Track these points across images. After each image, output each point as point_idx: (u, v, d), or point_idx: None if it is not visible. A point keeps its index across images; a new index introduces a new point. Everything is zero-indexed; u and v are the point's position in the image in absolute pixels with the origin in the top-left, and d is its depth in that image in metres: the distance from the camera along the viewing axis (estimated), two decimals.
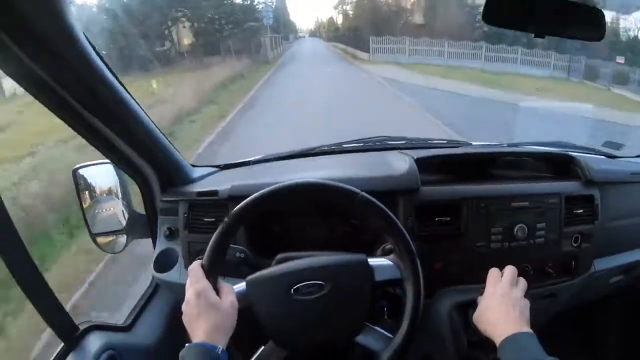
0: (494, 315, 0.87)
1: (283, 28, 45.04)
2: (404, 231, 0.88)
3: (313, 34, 78.90)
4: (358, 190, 0.89)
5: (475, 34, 18.55)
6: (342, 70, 17.29)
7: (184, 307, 0.83)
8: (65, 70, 0.81)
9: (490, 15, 1.01)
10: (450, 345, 1.11)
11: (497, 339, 0.82)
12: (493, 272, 0.96)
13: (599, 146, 1.63)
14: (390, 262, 0.91)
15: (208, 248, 0.86)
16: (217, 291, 0.83)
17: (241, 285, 0.88)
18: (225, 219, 0.87)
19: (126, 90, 0.98)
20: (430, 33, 19.98)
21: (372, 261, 0.90)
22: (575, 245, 1.21)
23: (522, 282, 0.94)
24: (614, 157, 1.50)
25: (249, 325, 0.85)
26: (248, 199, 0.88)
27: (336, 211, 1.17)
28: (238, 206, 0.87)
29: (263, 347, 0.89)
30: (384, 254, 0.98)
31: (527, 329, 0.83)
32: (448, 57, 18.34)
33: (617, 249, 1.34)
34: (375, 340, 0.89)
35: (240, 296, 0.85)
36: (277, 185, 0.89)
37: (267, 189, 0.89)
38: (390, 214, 0.89)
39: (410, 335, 0.87)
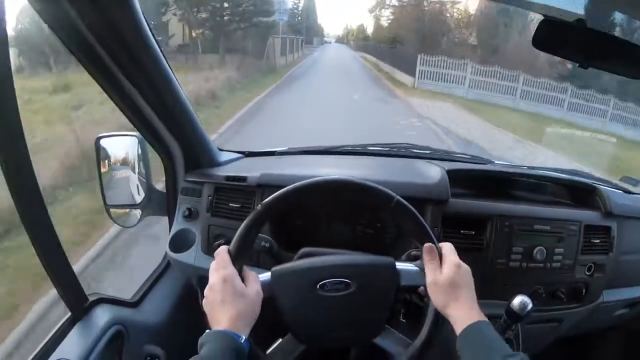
0: (461, 294, 0.81)
1: (307, 31, 42.39)
2: (435, 239, 0.88)
3: (340, 40, 75.20)
4: (395, 195, 0.88)
5: (556, 70, 13.87)
6: (377, 101, 11.09)
7: (207, 292, 0.80)
8: (113, 34, 0.81)
9: (540, 42, 1.01)
10: None
11: (461, 323, 0.77)
12: (445, 245, 0.89)
13: (615, 180, 1.65)
14: (417, 268, 0.90)
15: (237, 234, 0.84)
16: (242, 279, 0.81)
17: (266, 275, 0.86)
18: (258, 207, 0.85)
19: (170, 67, 0.98)
20: (497, 60, 14.74)
21: (399, 265, 0.89)
22: (588, 274, 1.23)
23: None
24: (630, 192, 1.52)
25: (269, 316, 0.84)
26: (285, 189, 0.87)
27: (361, 212, 1.18)
28: (274, 195, 0.86)
29: (281, 340, 0.89)
30: (409, 259, 0.98)
31: (485, 318, 0.78)
32: (521, 97, 13.67)
33: (626, 282, 1.36)
34: (394, 344, 0.89)
35: (265, 286, 0.84)
36: (316, 178, 0.89)
37: (306, 181, 0.88)
38: (424, 221, 0.89)
39: (429, 342, 0.87)
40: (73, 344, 0.98)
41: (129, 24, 0.81)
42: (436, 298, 0.83)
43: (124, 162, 1.25)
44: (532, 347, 1.26)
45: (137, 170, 1.24)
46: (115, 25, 0.80)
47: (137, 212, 1.27)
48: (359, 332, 0.89)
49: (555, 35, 1.02)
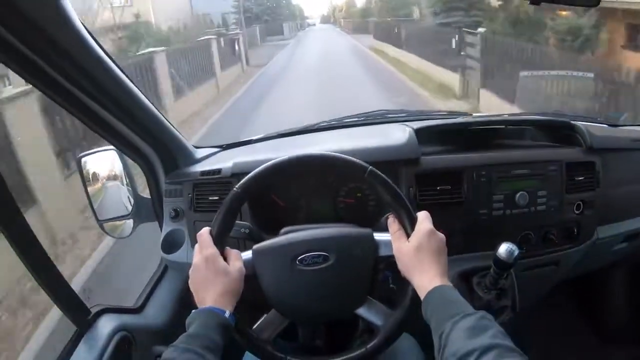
0: (424, 259, 0.81)
1: (271, 14, 32.74)
2: (409, 206, 0.88)
3: (327, 19, 66.45)
4: (367, 165, 0.89)
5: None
6: None
7: (191, 272, 0.84)
8: (63, 57, 0.81)
9: None
10: None
11: (423, 288, 0.78)
12: (424, 213, 0.89)
13: (601, 115, 1.62)
14: None
15: (216, 216, 0.87)
16: (225, 258, 0.84)
17: (247, 254, 0.89)
18: (235, 188, 0.88)
19: (125, 74, 0.99)
20: None
21: (377, 236, 0.91)
22: (577, 212, 1.22)
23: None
24: (616, 125, 1.49)
25: (252, 293, 0.87)
26: (258, 168, 0.89)
27: (340, 184, 1.19)
28: (248, 175, 0.88)
29: (266, 315, 0.91)
30: (385, 223, 0.98)
31: (450, 284, 0.79)
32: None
33: (620, 216, 1.34)
34: (376, 314, 0.90)
35: (247, 264, 0.86)
36: (288, 156, 0.90)
37: (278, 159, 0.89)
38: (398, 190, 0.89)
39: (411, 311, 0.88)
40: (82, 357, 1.01)
41: (77, 46, 0.82)
42: (401, 266, 0.85)
43: (111, 176, 1.29)
44: (533, 293, 1.26)
45: (122, 181, 1.28)
46: (65, 48, 0.80)
47: (130, 222, 1.30)
48: (340, 304, 0.91)
49: None
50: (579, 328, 1.75)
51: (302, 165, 0.93)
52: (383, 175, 0.89)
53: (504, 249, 0.94)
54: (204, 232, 0.86)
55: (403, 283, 0.89)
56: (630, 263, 1.54)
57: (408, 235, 0.86)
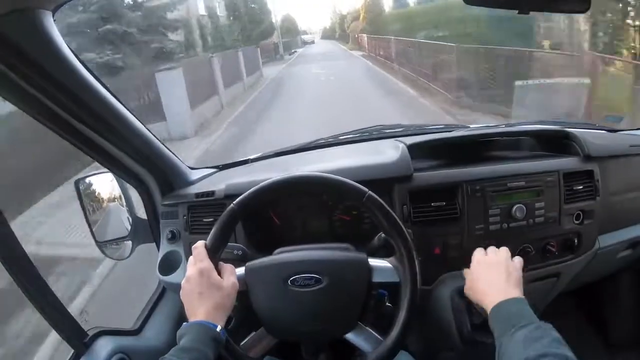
0: (480, 284, 0.89)
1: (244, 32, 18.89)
2: (406, 233, 0.88)
3: (329, 35, 50.02)
4: (365, 190, 0.89)
5: None
6: None
7: (183, 283, 0.85)
8: (55, 87, 0.83)
9: None
10: (453, 330, 1.10)
11: (488, 309, 0.82)
12: (478, 250, 0.98)
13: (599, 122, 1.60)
14: (390, 265, 0.91)
15: (213, 230, 0.88)
16: (219, 272, 0.85)
17: (241, 270, 0.90)
18: (232, 205, 0.89)
19: (118, 100, 1.00)
20: None
21: (373, 262, 0.91)
22: (577, 222, 1.19)
23: (505, 249, 0.95)
24: (615, 130, 1.47)
25: (243, 309, 0.88)
26: (257, 186, 0.89)
27: (336, 203, 1.19)
28: (245, 193, 0.89)
29: (254, 332, 0.92)
30: (379, 243, 0.98)
31: (515, 293, 0.82)
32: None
33: (623, 223, 1.31)
34: (365, 341, 0.90)
35: (240, 280, 0.87)
36: (285, 176, 0.91)
37: (276, 178, 0.90)
38: (394, 215, 0.89)
39: (400, 341, 0.87)
40: None
41: (69, 75, 0.84)
42: (473, 301, 0.93)
43: (107, 198, 1.30)
44: (535, 306, 1.23)
45: (121, 203, 1.29)
46: (57, 78, 0.82)
47: (129, 244, 1.31)
48: (330, 327, 0.91)
49: None
50: (586, 336, 1.71)
51: (300, 186, 0.94)
52: (381, 200, 0.89)
53: None
54: (199, 245, 0.87)
55: (397, 305, 0.88)
56: (636, 269, 1.51)
57: (402, 264, 0.89)
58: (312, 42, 46.94)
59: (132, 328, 1.25)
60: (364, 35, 26.94)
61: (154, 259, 1.32)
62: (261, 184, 0.90)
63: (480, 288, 0.88)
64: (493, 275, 0.88)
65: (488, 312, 0.82)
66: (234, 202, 0.89)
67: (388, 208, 0.89)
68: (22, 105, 0.86)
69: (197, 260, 0.85)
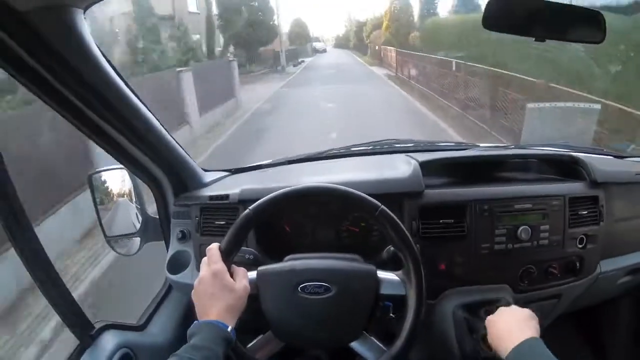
0: (497, 333, 0.88)
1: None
2: (415, 249, 0.90)
3: (342, 43, 44.62)
4: (379, 204, 0.91)
5: None
6: None
7: (196, 284, 0.86)
8: (81, 83, 0.85)
9: (490, 21, 1.02)
10: (454, 344, 1.12)
11: (504, 355, 0.82)
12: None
13: (607, 147, 1.63)
14: (397, 279, 0.93)
15: (228, 234, 0.90)
16: (231, 275, 0.87)
17: (252, 274, 0.92)
18: (248, 210, 0.91)
19: (139, 98, 1.02)
20: None
21: (381, 274, 0.93)
22: (580, 246, 1.21)
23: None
24: (622, 157, 1.49)
25: (252, 312, 0.89)
26: (274, 194, 0.92)
27: (346, 214, 1.21)
28: (261, 199, 0.91)
29: (262, 335, 0.94)
30: (388, 256, 1.00)
31: (529, 334, 0.82)
32: None
33: (624, 249, 1.33)
34: (369, 351, 0.92)
35: (251, 283, 0.89)
36: (302, 186, 0.94)
37: (292, 188, 0.93)
38: (405, 231, 0.91)
39: (404, 352, 0.89)
40: None
41: (92, 70, 0.86)
42: (494, 344, 0.90)
43: (118, 194, 1.32)
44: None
45: (131, 200, 1.31)
46: (81, 72, 0.84)
47: (137, 240, 1.33)
48: (336, 335, 0.93)
49: (507, 13, 1.03)
50: (584, 358, 1.71)
51: (315, 196, 0.97)
52: (393, 215, 0.91)
53: None
54: (214, 247, 0.89)
55: (402, 316, 0.90)
56: (636, 296, 1.52)
57: (409, 279, 0.91)
58: (324, 51, 41.46)
59: (137, 324, 1.27)
60: (391, 49, 19.90)
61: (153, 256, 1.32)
62: (279, 192, 0.92)
63: (498, 334, 0.88)
64: (511, 322, 0.88)
65: (505, 354, 0.82)
66: (251, 208, 0.91)
67: (400, 223, 0.91)
68: (47, 98, 0.87)
69: (211, 262, 0.87)
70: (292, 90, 14.94)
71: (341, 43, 47.99)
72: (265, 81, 17.89)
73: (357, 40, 37.88)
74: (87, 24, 0.82)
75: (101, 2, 0.83)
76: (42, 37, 0.74)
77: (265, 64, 22.28)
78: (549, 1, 1.00)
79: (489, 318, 0.93)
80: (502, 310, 0.92)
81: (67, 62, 0.81)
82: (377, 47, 25.86)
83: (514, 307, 0.93)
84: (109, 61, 0.90)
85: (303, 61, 29.38)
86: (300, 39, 37.74)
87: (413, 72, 14.79)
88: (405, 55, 16.88)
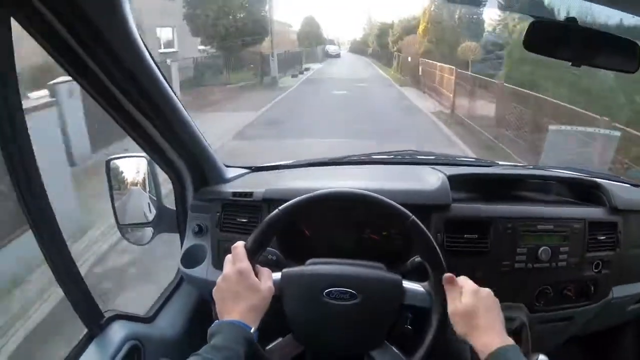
0: (480, 320, 0.81)
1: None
2: (443, 263, 0.90)
3: (358, 48, 38.49)
4: (410, 214, 0.91)
5: None
6: None
7: (220, 281, 0.84)
8: (116, 64, 0.84)
9: (532, 42, 1.03)
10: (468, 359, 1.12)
11: (482, 350, 0.77)
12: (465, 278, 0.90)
13: (623, 175, 1.64)
14: (423, 290, 0.93)
15: (254, 233, 0.89)
16: (256, 274, 0.85)
17: (277, 275, 0.91)
18: (277, 210, 0.90)
19: (171, 88, 1.01)
20: None
21: (406, 284, 0.92)
22: (595, 270, 1.22)
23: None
24: (637, 185, 1.51)
25: (273, 314, 0.87)
26: (305, 196, 0.91)
27: (369, 221, 1.20)
28: (293, 200, 0.91)
29: (282, 338, 0.93)
30: (413, 267, 1.00)
31: (511, 340, 0.78)
32: None
33: (636, 277, 1.34)
34: None
35: (275, 284, 0.87)
36: (336, 189, 0.94)
37: (324, 191, 0.92)
38: (436, 245, 0.91)
39: None
40: None
41: (131, 55, 0.85)
42: (457, 328, 0.85)
43: (135, 182, 1.30)
44: (545, 346, 1.25)
45: (147, 189, 1.29)
46: (119, 56, 0.83)
47: (150, 230, 1.31)
48: (357, 342, 0.92)
49: (547, 37, 1.04)
50: None
51: (349, 201, 0.97)
52: (423, 227, 0.91)
53: None
54: (239, 245, 0.87)
55: (421, 328, 0.90)
56: None
57: (435, 291, 0.88)
58: (337, 56, 34.12)
59: (146, 315, 1.25)
60: (442, 67, 12.03)
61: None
62: (308, 195, 0.91)
63: (478, 325, 0.81)
64: (491, 313, 0.82)
65: (478, 351, 0.79)
66: (280, 208, 0.90)
67: (429, 235, 0.91)
68: (83, 81, 0.87)
69: (237, 260, 0.85)
70: (259, 143, 7.66)
71: (357, 48, 39.80)
72: (241, 102, 11.94)
73: (379, 46, 28.65)
74: (129, 7, 0.81)
75: None
76: (86, 16, 0.73)
77: (254, 71, 16.08)
78: (588, 28, 1.01)
79: (454, 309, 0.85)
80: (477, 295, 0.84)
81: (109, 45, 0.80)
82: (409, 59, 17.47)
83: (489, 295, 0.86)
84: (146, 46, 0.89)
85: (307, 69, 22.03)
86: (310, 39, 31.22)
87: (488, 114, 8.60)
88: (473, 83, 9.56)
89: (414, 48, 17.23)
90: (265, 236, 0.89)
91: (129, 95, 0.92)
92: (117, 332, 1.10)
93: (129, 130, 1.05)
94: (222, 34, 13.83)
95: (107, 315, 1.10)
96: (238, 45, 14.29)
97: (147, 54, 0.89)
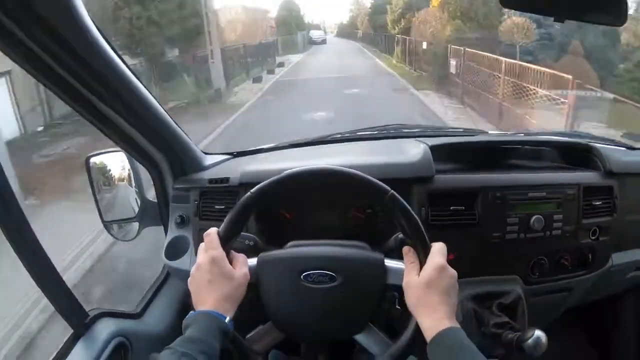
0: (433, 298, 0.76)
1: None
2: (426, 238, 0.85)
3: (346, 32, 34.49)
4: (388, 188, 0.85)
5: None
6: None
7: (193, 271, 0.81)
8: (76, 59, 0.81)
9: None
10: None
11: (427, 330, 0.74)
12: (435, 245, 0.84)
13: (618, 137, 1.59)
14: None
15: (227, 218, 0.85)
16: (230, 261, 0.82)
17: (252, 261, 0.87)
18: (249, 192, 0.85)
19: (138, 78, 0.98)
20: None
21: (388, 263, 0.88)
22: (592, 238, 1.18)
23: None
24: (633, 148, 1.45)
25: (251, 301, 0.84)
26: (277, 176, 0.86)
27: (352, 199, 1.16)
28: (263, 182, 0.86)
29: (261, 326, 0.89)
30: (395, 244, 0.95)
31: (458, 325, 0.74)
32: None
33: (635, 243, 1.30)
34: (374, 343, 0.87)
35: (250, 271, 0.84)
36: (307, 167, 0.88)
37: (297, 169, 0.87)
38: (417, 218, 0.85)
39: (410, 345, 0.84)
40: None
41: (90, 49, 0.81)
42: (408, 300, 0.80)
43: (117, 178, 1.28)
44: (542, 318, 1.22)
45: (131, 184, 1.27)
46: (78, 50, 0.80)
47: (135, 225, 1.29)
48: (340, 326, 0.88)
49: None
50: (588, 354, 1.70)
51: (320, 179, 0.91)
52: (403, 201, 0.85)
53: (533, 339, 0.89)
54: (212, 232, 0.84)
55: (408, 311, 0.86)
56: None
57: (421, 268, 0.81)
58: (323, 42, 30.90)
59: (133, 311, 1.23)
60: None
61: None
62: (282, 174, 0.87)
63: (428, 300, 0.77)
64: (446, 294, 0.77)
65: (423, 330, 0.75)
66: (252, 190, 0.85)
67: (410, 210, 0.86)
68: (42, 77, 0.83)
69: (209, 247, 0.82)
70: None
71: (345, 32, 34.88)
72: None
73: (372, 27, 23.54)
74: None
75: None
76: (41, 16, 0.70)
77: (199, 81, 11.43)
78: None
79: (408, 280, 0.80)
80: (441, 272, 0.78)
81: (63, 39, 0.76)
82: (424, 45, 12.91)
83: (452, 274, 0.80)
84: (106, 39, 0.86)
85: (282, 65, 18.10)
86: (290, 26, 26.99)
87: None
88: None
89: (429, 29, 12.58)
90: (238, 220, 0.85)
91: (95, 92, 0.89)
92: (103, 330, 1.07)
93: (98, 125, 1.01)
94: (128, 31, 8.86)
95: (91, 314, 1.08)
96: (161, 49, 9.98)
97: (106, 46, 0.85)
